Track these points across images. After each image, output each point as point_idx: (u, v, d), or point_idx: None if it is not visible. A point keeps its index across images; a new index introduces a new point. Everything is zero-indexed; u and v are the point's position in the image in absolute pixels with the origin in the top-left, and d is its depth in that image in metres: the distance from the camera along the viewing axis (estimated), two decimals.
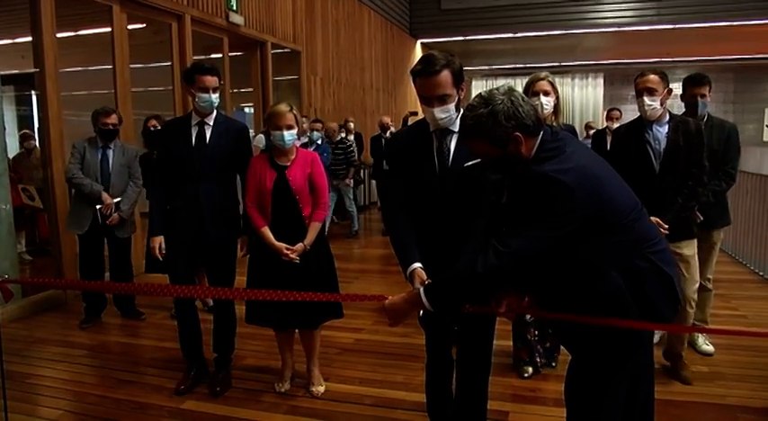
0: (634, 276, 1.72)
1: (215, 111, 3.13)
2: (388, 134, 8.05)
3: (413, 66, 2.15)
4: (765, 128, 16.68)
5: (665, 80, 3.03)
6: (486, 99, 1.74)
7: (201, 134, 3.10)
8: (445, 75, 2.06)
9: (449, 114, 2.12)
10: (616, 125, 6.48)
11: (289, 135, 2.93)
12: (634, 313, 1.72)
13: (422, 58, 2.14)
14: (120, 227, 4.33)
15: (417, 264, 2.14)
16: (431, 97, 2.09)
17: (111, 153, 4.36)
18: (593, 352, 1.79)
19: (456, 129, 2.15)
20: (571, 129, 3.29)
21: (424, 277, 2.09)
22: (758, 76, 16.81)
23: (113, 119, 4.32)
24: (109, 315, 4.50)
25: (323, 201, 3.06)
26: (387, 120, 8.52)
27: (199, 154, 3.07)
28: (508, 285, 1.98)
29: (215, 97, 3.06)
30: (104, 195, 4.22)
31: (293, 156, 3.02)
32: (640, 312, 1.73)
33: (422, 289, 1.85)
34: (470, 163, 2.09)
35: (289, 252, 2.94)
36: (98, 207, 4.21)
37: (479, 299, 1.92)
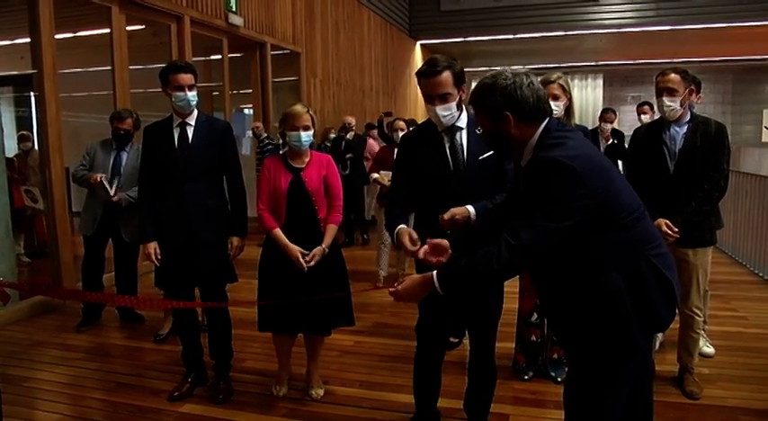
0: (636, 278, 1.70)
1: (196, 111, 3.06)
2: (349, 135, 7.53)
3: (418, 68, 2.31)
4: (764, 129, 16.69)
5: (687, 79, 2.92)
6: (497, 73, 1.80)
7: (184, 135, 3.03)
8: (446, 75, 2.23)
9: (450, 112, 2.28)
10: (610, 127, 6.41)
11: (306, 136, 2.90)
12: (631, 316, 1.70)
13: (426, 60, 2.32)
14: (125, 228, 4.22)
15: (402, 225, 2.33)
16: (433, 95, 2.26)
17: (125, 155, 4.34)
18: (590, 354, 1.78)
19: (463, 124, 2.33)
20: (584, 130, 3.21)
21: (409, 233, 2.25)
22: (756, 77, 16.84)
23: (127, 124, 4.30)
24: (107, 317, 4.49)
25: (338, 203, 3.02)
26: (350, 120, 7.81)
27: (182, 155, 3.00)
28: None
29: (191, 95, 2.98)
30: (92, 175, 4.15)
31: (308, 158, 2.99)
32: (638, 316, 1.70)
33: (435, 274, 1.82)
34: (485, 155, 2.27)
35: (306, 260, 2.87)
36: (100, 179, 4.11)
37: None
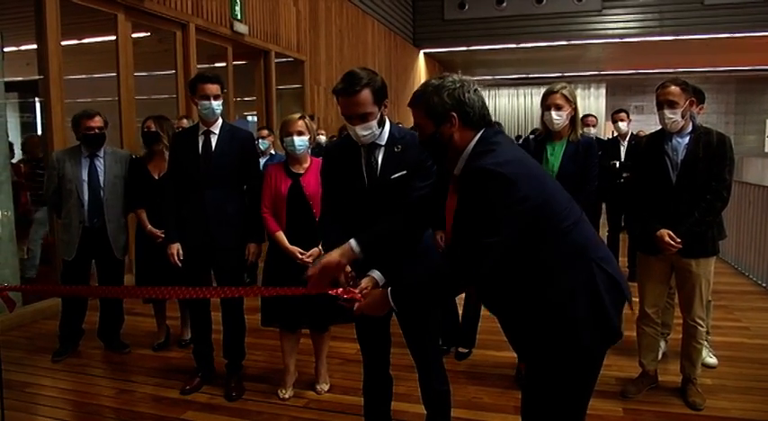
0: (586, 283, 1.68)
1: (220, 120, 3.21)
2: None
3: (335, 85, 2.18)
4: (766, 139, 16.70)
5: (688, 91, 2.92)
6: (441, 77, 1.81)
7: (207, 143, 3.18)
8: (365, 94, 2.14)
9: (371, 131, 2.20)
10: (593, 131, 6.14)
11: (299, 141, 3.05)
12: (586, 319, 1.67)
13: (344, 75, 2.18)
14: (117, 245, 3.84)
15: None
16: (351, 116, 2.17)
17: (100, 163, 3.79)
18: (544, 360, 1.76)
19: (383, 142, 2.27)
20: (590, 141, 3.20)
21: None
22: (759, 87, 16.88)
23: (98, 122, 3.74)
24: (92, 345, 4.07)
25: None
26: (264, 133, 5.84)
27: (205, 162, 3.14)
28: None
29: (216, 104, 3.14)
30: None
31: (307, 164, 3.14)
32: (593, 319, 1.68)
33: (389, 291, 1.82)
34: (396, 175, 2.23)
35: (303, 256, 3.02)
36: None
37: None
